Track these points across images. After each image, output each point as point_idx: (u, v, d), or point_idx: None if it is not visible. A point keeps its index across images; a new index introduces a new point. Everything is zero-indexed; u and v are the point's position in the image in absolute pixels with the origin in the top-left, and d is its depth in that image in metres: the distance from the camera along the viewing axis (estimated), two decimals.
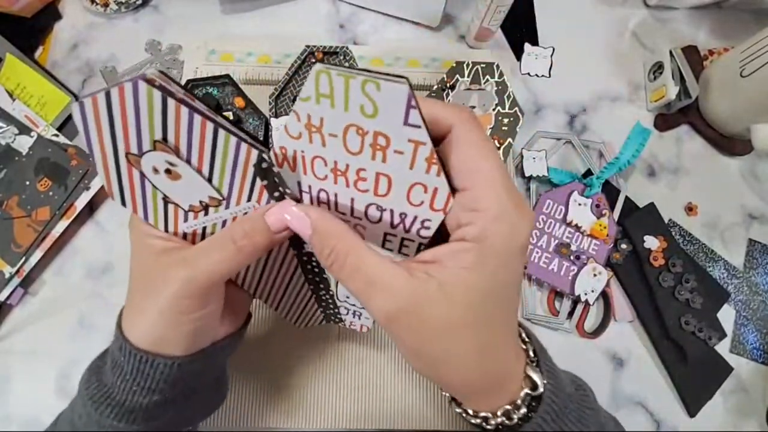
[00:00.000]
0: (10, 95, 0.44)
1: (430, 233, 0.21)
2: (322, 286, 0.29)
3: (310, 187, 0.22)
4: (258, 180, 0.21)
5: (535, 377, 0.21)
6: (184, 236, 0.24)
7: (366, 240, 0.23)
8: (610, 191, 0.47)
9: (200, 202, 0.22)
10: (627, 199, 0.47)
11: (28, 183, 0.43)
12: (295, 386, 0.40)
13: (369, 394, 0.40)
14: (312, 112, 0.19)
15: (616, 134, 0.49)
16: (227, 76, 0.44)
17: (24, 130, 0.44)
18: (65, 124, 0.46)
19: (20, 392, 0.41)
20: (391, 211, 0.21)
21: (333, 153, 0.20)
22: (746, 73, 0.44)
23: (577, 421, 0.21)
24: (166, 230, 0.23)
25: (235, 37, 0.51)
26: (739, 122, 0.47)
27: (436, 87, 0.45)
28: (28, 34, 0.50)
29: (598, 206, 0.45)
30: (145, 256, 0.23)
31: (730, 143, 0.49)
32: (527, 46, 0.50)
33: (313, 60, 0.46)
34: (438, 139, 0.20)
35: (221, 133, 0.19)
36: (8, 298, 0.42)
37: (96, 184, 0.44)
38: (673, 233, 0.47)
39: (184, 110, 0.18)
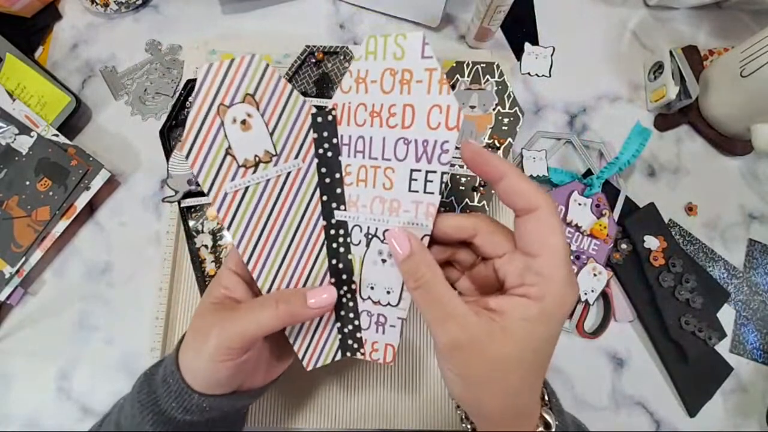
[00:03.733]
0: (10, 95, 0.44)
1: (449, 157, 0.25)
2: (344, 277, 0.29)
3: (350, 137, 0.28)
4: (309, 134, 0.28)
5: (549, 418, 0.25)
6: (223, 198, 0.27)
7: (395, 183, 0.27)
8: (610, 191, 0.47)
9: (255, 156, 0.28)
10: (627, 199, 0.47)
11: (28, 183, 0.43)
12: (295, 386, 0.40)
13: (369, 394, 0.40)
14: (360, 67, 0.27)
15: (616, 134, 0.49)
16: None
17: (24, 130, 0.44)
18: (65, 124, 0.45)
19: (20, 392, 0.41)
20: (416, 142, 0.26)
21: (372, 97, 0.27)
22: (746, 73, 0.44)
23: None
24: (211, 188, 0.27)
25: (235, 37, 0.51)
26: (739, 122, 0.47)
27: None
28: (28, 34, 0.50)
29: (598, 206, 0.45)
30: (206, 303, 0.28)
31: (730, 143, 0.49)
32: (527, 45, 0.50)
33: (313, 60, 0.46)
34: (522, 213, 0.24)
35: (294, 93, 0.28)
36: (8, 298, 0.42)
37: (96, 184, 0.44)
38: (673, 233, 0.47)
39: (276, 74, 0.27)
